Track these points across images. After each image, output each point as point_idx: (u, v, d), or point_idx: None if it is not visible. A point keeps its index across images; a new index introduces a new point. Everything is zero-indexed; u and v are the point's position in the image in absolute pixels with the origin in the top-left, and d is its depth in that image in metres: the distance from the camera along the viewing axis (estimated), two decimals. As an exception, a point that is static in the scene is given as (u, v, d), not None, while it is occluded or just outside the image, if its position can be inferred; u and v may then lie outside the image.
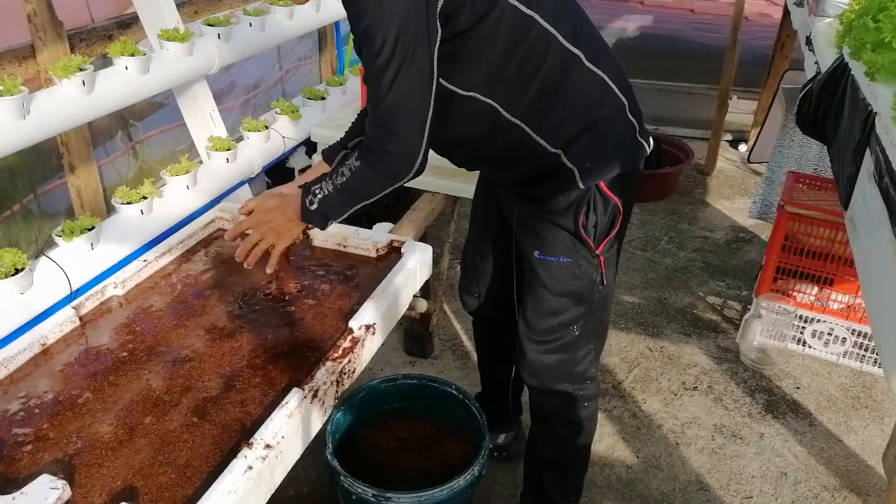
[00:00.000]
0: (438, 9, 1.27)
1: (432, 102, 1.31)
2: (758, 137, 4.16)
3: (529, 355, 1.71)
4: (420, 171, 1.37)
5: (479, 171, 1.83)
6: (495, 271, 1.92)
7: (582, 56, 1.44)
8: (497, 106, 1.43)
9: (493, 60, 1.38)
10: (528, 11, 1.36)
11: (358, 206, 1.45)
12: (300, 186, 1.50)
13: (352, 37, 1.42)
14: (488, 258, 1.92)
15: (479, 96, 1.41)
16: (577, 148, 1.48)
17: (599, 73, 1.47)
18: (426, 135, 1.32)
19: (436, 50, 1.28)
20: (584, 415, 1.77)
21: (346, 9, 1.31)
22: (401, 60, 1.25)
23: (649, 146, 1.61)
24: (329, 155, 1.71)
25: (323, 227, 1.49)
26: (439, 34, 1.28)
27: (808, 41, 2.16)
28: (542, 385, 1.74)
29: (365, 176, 1.39)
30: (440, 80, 1.33)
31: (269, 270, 1.55)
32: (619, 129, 1.54)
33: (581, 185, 1.50)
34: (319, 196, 1.44)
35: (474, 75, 1.39)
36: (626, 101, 1.53)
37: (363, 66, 1.32)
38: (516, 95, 1.42)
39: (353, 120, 1.75)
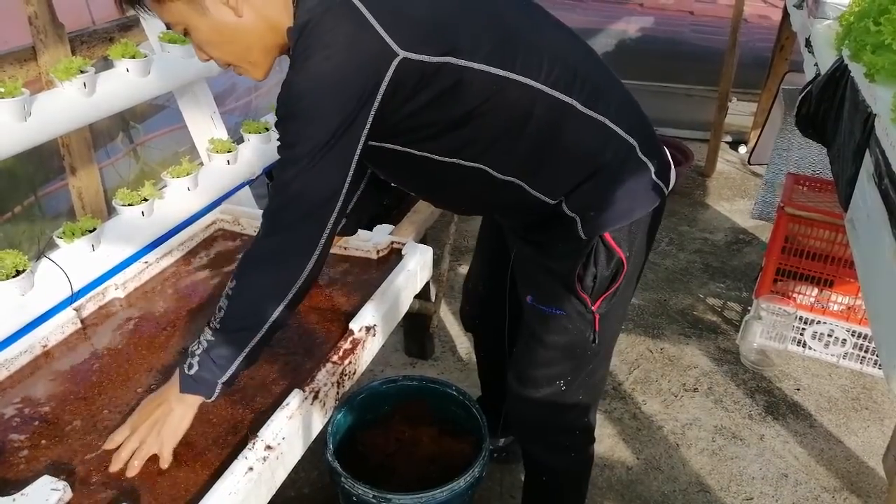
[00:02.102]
0: (379, 98, 1.13)
1: (338, 206, 1.17)
2: (758, 139, 4.17)
3: (515, 403, 1.63)
4: (312, 282, 1.21)
5: None
6: (494, 302, 1.85)
7: (576, 104, 1.29)
8: (485, 168, 1.32)
9: (468, 128, 1.25)
10: (501, 72, 1.21)
11: (249, 348, 1.20)
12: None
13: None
14: (489, 288, 1.89)
15: (462, 162, 1.30)
16: (578, 195, 1.37)
17: (599, 117, 1.32)
18: (325, 238, 1.18)
19: (358, 149, 1.16)
20: (574, 462, 1.72)
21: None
22: (313, 159, 1.12)
23: (668, 185, 1.46)
24: None
25: (210, 397, 1.21)
26: (367, 128, 1.15)
27: (808, 43, 2.16)
28: (528, 433, 1.70)
29: (245, 296, 1.19)
30: (416, 151, 1.27)
31: (164, 466, 1.20)
32: (629, 173, 1.38)
33: (583, 236, 1.38)
34: (199, 352, 1.19)
35: (451, 144, 1.28)
36: (635, 142, 1.38)
37: (278, 139, 1.17)
38: (503, 156, 1.31)
39: None
